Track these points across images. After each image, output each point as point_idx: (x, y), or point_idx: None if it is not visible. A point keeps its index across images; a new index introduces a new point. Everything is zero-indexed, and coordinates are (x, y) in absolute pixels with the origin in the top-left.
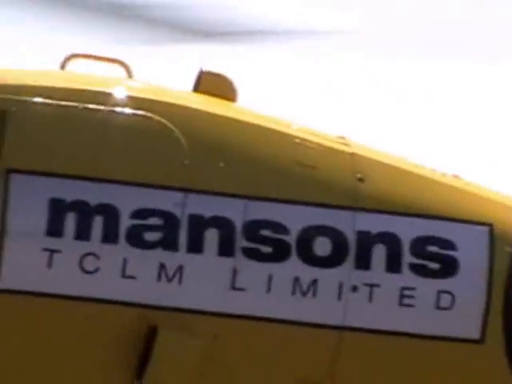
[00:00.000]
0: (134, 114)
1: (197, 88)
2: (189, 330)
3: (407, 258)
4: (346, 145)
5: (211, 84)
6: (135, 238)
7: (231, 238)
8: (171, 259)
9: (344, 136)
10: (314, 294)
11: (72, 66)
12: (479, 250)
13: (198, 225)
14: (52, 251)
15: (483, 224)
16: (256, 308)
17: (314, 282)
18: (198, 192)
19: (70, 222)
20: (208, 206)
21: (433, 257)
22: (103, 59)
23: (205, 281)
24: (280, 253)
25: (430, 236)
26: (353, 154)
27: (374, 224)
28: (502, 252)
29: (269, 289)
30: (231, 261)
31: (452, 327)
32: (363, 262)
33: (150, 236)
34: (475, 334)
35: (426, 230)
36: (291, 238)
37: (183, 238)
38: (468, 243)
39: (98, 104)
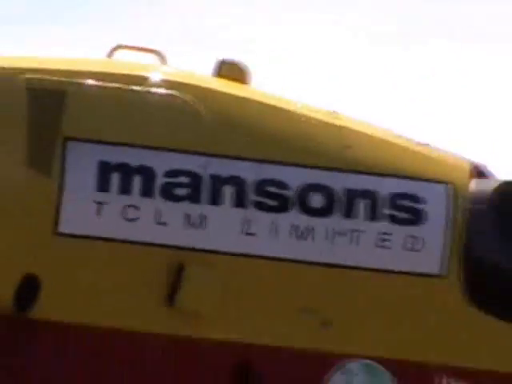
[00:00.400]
0: (166, 94)
1: (217, 74)
2: (209, 266)
3: (385, 209)
4: (337, 118)
5: (229, 70)
6: (167, 193)
7: (244, 193)
8: (196, 210)
9: (336, 110)
10: (312, 238)
11: (117, 54)
12: (442, 203)
13: (218, 182)
14: (100, 203)
15: (446, 182)
16: (264, 249)
17: (311, 228)
18: (218, 156)
19: (115, 179)
20: (226, 168)
21: (405, 209)
22: (142, 49)
23: (223, 227)
24: (283, 205)
25: (403, 192)
26: (341, 127)
27: (359, 183)
28: (460, 205)
29: (274, 234)
30: (244, 211)
31: (419, 265)
32: (349, 213)
33: (179, 191)
34: (437, 270)
35: (400, 188)
36: (292, 194)
37: (205, 192)
38: (434, 198)
39: (137, 86)
